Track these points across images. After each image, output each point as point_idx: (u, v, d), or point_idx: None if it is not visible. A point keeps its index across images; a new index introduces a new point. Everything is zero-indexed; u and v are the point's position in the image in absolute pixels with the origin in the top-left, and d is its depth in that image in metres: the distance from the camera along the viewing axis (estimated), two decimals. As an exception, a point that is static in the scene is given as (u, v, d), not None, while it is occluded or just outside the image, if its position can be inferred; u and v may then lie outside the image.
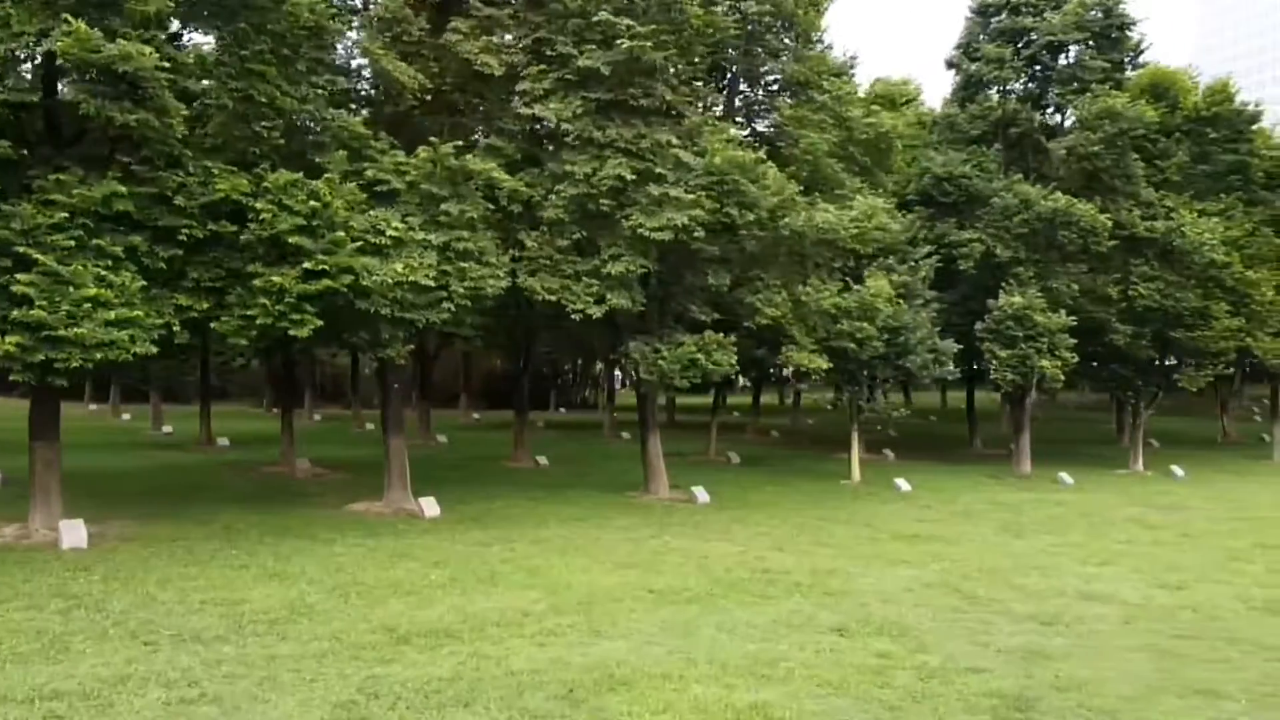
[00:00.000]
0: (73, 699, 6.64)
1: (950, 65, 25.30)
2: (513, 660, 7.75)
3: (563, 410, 48.48)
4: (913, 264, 20.90)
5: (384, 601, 9.57)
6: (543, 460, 23.45)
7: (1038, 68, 24.41)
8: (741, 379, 40.41)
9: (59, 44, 8.95)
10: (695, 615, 9.50)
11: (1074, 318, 21.45)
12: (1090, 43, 23.71)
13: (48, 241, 9.62)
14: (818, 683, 7.48)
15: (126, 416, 33.27)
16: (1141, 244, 22.64)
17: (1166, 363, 25.55)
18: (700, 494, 17.68)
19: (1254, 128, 24.18)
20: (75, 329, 9.46)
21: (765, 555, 12.77)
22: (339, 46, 13.02)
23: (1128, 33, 23.94)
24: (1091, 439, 35.69)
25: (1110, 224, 21.81)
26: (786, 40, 16.51)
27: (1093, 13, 23.44)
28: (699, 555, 12.59)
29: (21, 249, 9.50)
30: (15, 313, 9.42)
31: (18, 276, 9.46)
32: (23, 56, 9.53)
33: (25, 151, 10.63)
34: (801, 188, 15.67)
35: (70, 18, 9.02)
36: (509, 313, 18.74)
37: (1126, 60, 24.23)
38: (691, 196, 13.66)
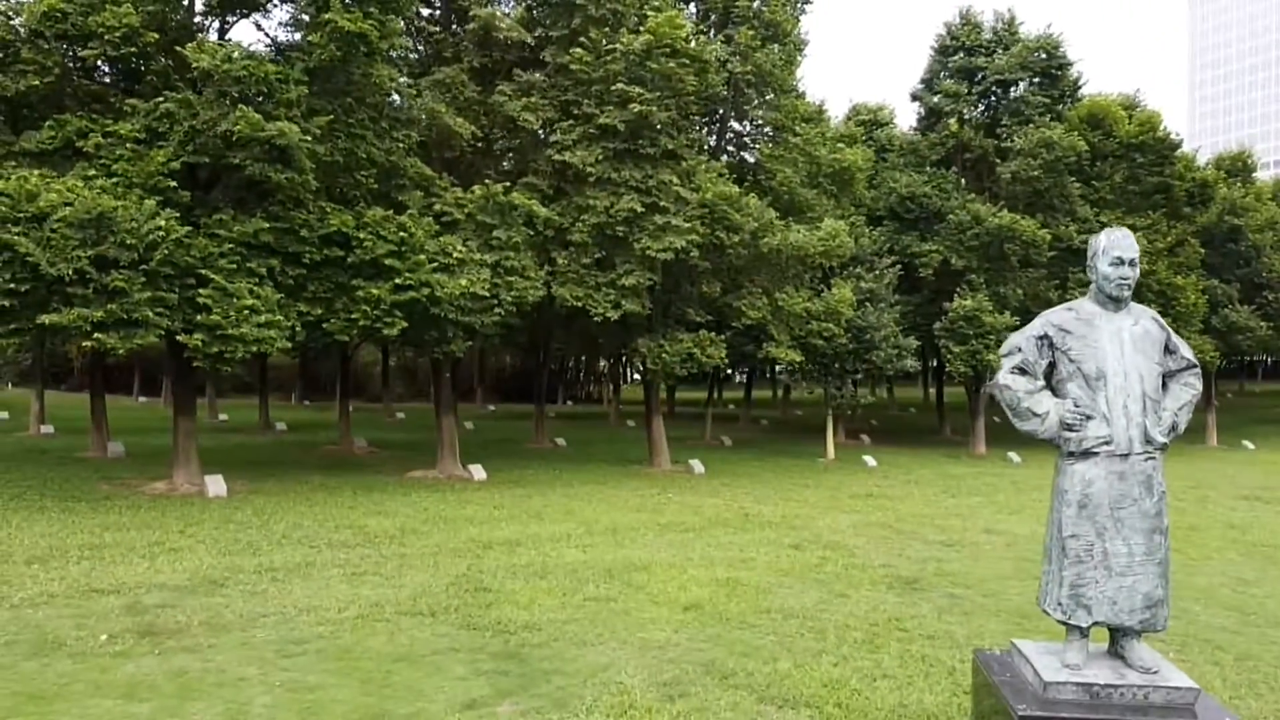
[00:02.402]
0: (283, 571, 10.20)
1: (914, 98, 28.95)
2: (566, 557, 11.33)
3: (569, 403, 52.07)
4: (878, 272, 24.51)
5: (464, 527, 13.15)
6: (560, 442, 27.05)
7: (990, 100, 28.05)
8: (737, 374, 43.96)
9: (237, 126, 12.50)
10: (691, 538, 13.05)
11: (1017, 318, 24.91)
12: (1034, 79, 27.37)
13: (218, 265, 13.19)
14: (775, 570, 11.03)
15: (180, 407, 36.77)
16: (1078, 254, 26.18)
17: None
18: (696, 466, 21.27)
19: (1176, 153, 27.71)
20: (239, 329, 13.01)
21: (746, 506, 16.33)
22: (413, 103, 16.43)
23: (1067, 71, 27.58)
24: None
25: (1049, 237, 25.39)
26: (766, 94, 20.08)
27: (1036, 54, 27.07)
28: (694, 505, 16.16)
29: (201, 270, 13.07)
30: (199, 317, 12.98)
31: (199, 291, 13.03)
32: (204, 133, 13.01)
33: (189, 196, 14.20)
34: (777, 213, 19.26)
35: (243, 106, 12.58)
36: (531, 316, 22.32)
37: (1066, 94, 27.82)
38: (688, 224, 17.24)
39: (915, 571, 11.19)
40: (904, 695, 6.83)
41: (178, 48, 13.60)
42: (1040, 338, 4.74)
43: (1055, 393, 4.74)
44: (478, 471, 18.51)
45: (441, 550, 11.54)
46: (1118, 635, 4.63)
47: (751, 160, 21.15)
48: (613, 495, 17.03)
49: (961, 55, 27.87)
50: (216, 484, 15.17)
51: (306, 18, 13.95)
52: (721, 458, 24.75)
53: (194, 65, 12.61)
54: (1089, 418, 4.54)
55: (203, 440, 25.47)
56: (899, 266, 24.86)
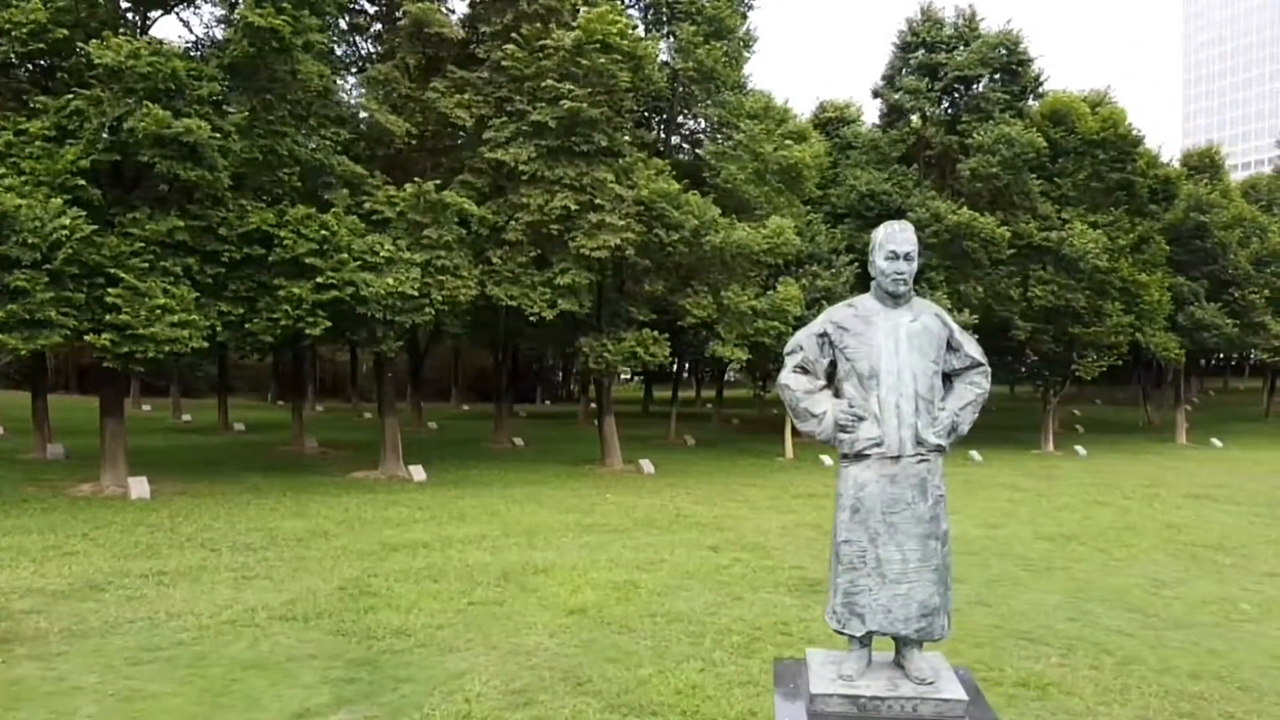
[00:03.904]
0: (172, 575, 10.01)
1: (876, 94, 28.77)
2: (469, 559, 11.14)
3: (547, 402, 51.93)
4: (835, 270, 24.34)
5: (378, 529, 12.96)
6: (519, 442, 26.87)
7: (952, 96, 27.88)
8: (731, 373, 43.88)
9: (141, 124, 12.30)
10: (610, 539, 12.86)
11: (976, 316, 24.77)
12: (995, 76, 27.19)
13: (129, 264, 12.99)
14: (680, 572, 10.84)
15: (147, 407, 36.65)
16: (1039, 251, 26.04)
17: (1075, 355, 28.69)
18: (646, 465, 21.09)
19: (1138, 150, 27.53)
20: (150, 329, 12.82)
21: (682, 506, 16.15)
22: (342, 99, 16.26)
23: (1028, 67, 27.40)
24: (1026, 425, 39.09)
25: (1009, 235, 25.22)
26: (711, 90, 19.92)
27: (997, 50, 26.89)
28: (629, 505, 15.97)
29: (111, 270, 12.87)
30: (108, 317, 12.78)
31: (109, 290, 12.83)
32: (108, 130, 12.81)
33: (101, 194, 14.00)
34: (724, 211, 19.08)
35: (149, 103, 12.39)
36: (488, 315, 22.16)
37: (1027, 90, 27.64)
38: (623, 222, 17.05)
39: (825, 574, 11.01)
40: (757, 703, 6.65)
41: (94, 43, 13.38)
42: (821, 335, 4.55)
43: (837, 393, 4.55)
44: (418, 472, 18.33)
45: (344, 553, 11.35)
46: (899, 645, 4.45)
47: (700, 157, 20.94)
48: (549, 496, 16.85)
49: (923, 52, 27.68)
50: (140, 486, 14.98)
51: (221, 12, 13.75)
52: (679, 457, 24.58)
53: (98, 62, 12.40)
54: (861, 418, 4.35)
55: (156, 441, 25.40)
56: (857, 265, 24.66)
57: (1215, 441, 30.47)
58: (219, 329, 14.34)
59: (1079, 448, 28.16)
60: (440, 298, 15.98)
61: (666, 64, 19.70)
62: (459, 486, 17.62)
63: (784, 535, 13.61)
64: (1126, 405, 47.41)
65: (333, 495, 15.99)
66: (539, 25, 17.20)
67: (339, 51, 18.67)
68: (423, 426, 31.59)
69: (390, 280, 15.02)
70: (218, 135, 12.97)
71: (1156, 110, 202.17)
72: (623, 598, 9.45)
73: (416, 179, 16.24)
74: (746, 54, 21.00)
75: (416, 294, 15.54)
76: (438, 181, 16.30)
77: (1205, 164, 33.12)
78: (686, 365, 43.67)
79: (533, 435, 29.16)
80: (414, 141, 17.30)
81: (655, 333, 19.14)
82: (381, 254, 15.16)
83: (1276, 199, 36.11)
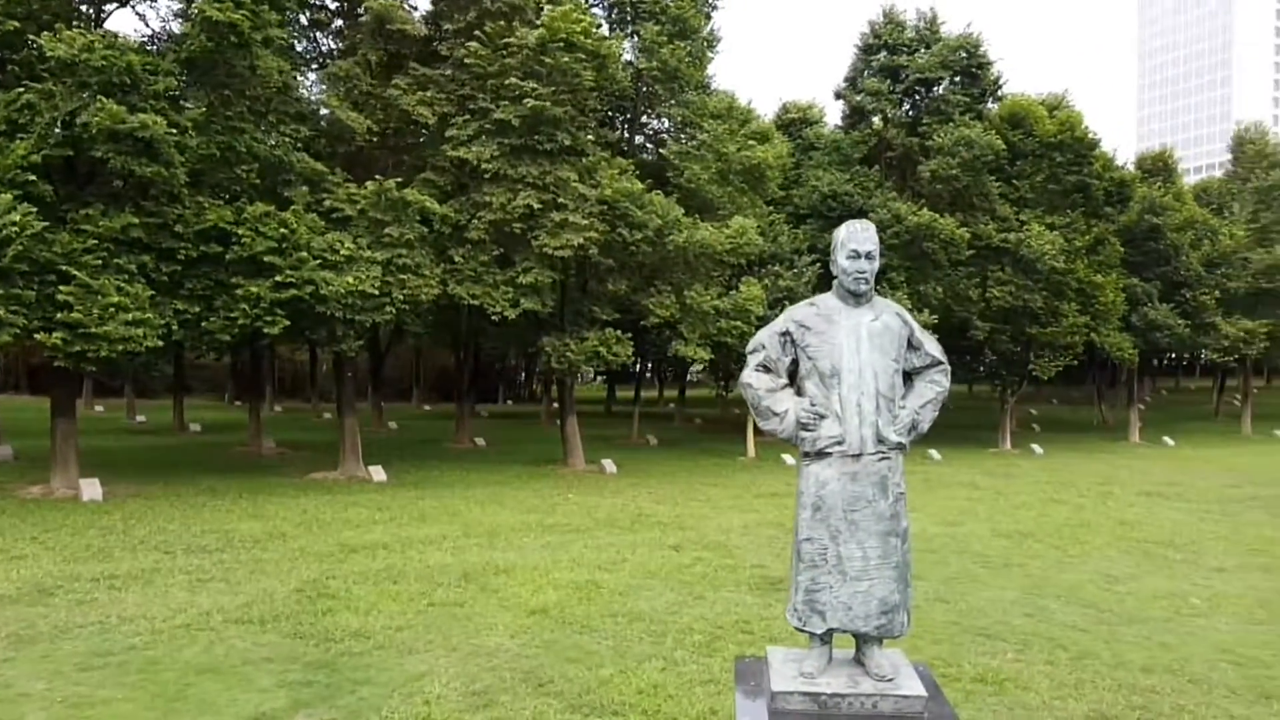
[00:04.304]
0: (124, 579, 9.83)
1: (838, 96, 29.00)
2: (429, 560, 11.05)
3: (509, 402, 51.71)
4: (797, 270, 24.47)
5: (337, 531, 12.82)
6: (481, 442, 26.73)
7: (913, 98, 28.17)
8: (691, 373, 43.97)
9: (95, 119, 12.05)
10: (572, 539, 12.82)
11: (935, 316, 25.02)
12: (955, 79, 27.51)
13: (81, 261, 12.72)
14: (642, 572, 10.84)
15: (100, 408, 35.99)
16: (998, 252, 26.37)
17: (1032, 355, 29.05)
18: (609, 465, 21.06)
19: (1094, 153, 27.98)
20: (103, 327, 12.57)
21: (644, 506, 16.14)
22: (302, 96, 16.05)
23: (988, 70, 27.76)
24: (984, 424, 39.54)
25: (968, 236, 25.53)
26: (675, 90, 19.95)
27: (957, 53, 27.21)
28: (591, 506, 15.93)
29: (63, 267, 12.60)
30: (59, 315, 12.51)
31: (60, 288, 12.56)
32: (60, 125, 12.55)
33: (54, 190, 13.71)
34: (687, 211, 19.11)
35: (102, 98, 12.15)
36: (450, 314, 22.00)
37: (987, 93, 28.00)
38: (587, 221, 17.01)
39: (786, 572, 11.06)
40: (718, 701, 6.65)
41: (46, 35, 13.11)
42: (783, 334, 4.57)
43: (799, 391, 4.57)
44: (378, 473, 18.16)
45: (302, 555, 11.22)
46: (859, 642, 4.48)
47: (664, 157, 20.95)
48: (511, 496, 16.77)
49: (885, 54, 27.95)
50: (92, 488, 14.69)
51: (179, 6, 13.52)
52: (642, 457, 24.59)
53: (50, 55, 12.14)
54: (823, 417, 4.38)
55: (109, 442, 24.93)
56: (819, 265, 24.80)
57: (1167, 440, 31.04)
58: (175, 328, 14.10)
59: (1036, 446, 28.57)
60: (401, 297, 15.85)
61: (630, 63, 19.70)
62: (420, 487, 17.48)
63: (745, 534, 13.66)
64: (1082, 404, 48.19)
65: (291, 496, 15.79)
66: (502, 23, 17.12)
67: (299, 47, 18.46)
68: (383, 426, 31.32)
69: (350, 279, 14.86)
70: (174, 131, 12.75)
71: (1112, 114, 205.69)
72: (584, 598, 9.42)
73: (378, 176, 16.10)
74: (710, 54, 21.06)
75: (377, 293, 15.40)
76: (399, 179, 16.17)
77: (1159, 167, 33.77)
78: (649, 365, 43.78)
79: (495, 435, 29.04)
80: (375, 139, 17.15)
81: (618, 332, 19.14)
82: (342, 252, 14.99)
83: (1227, 202, 36.89)
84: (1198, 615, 9.52)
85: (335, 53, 18.59)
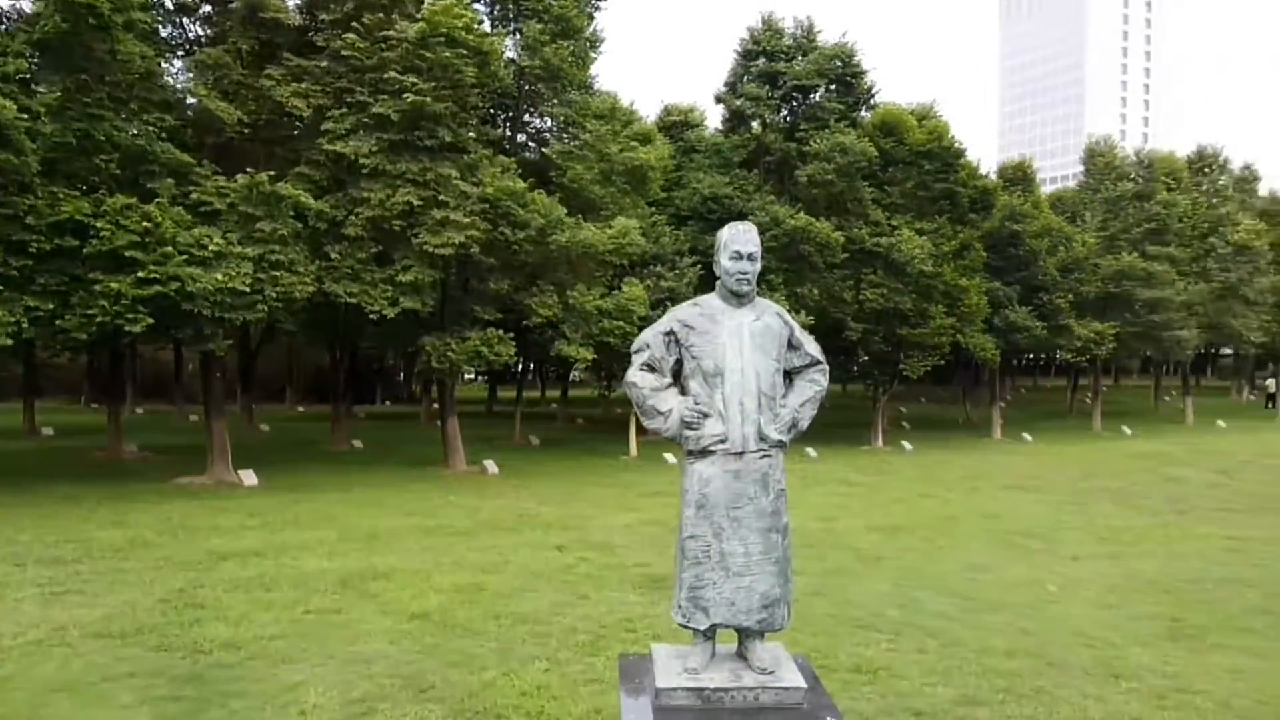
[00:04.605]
0: (-30, 594, 9.20)
1: (719, 100, 29.48)
2: (304, 566, 10.72)
3: (387, 403, 50.60)
4: (679, 271, 24.75)
5: (206, 538, 12.30)
6: (358, 444, 26.07)
7: (791, 104, 28.87)
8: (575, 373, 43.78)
9: (-64, 99, 11.26)
10: (454, 542, 12.64)
11: (812, 317, 25.66)
12: (831, 87, 28.33)
13: (-79, 253, 11.86)
14: (526, 573, 10.77)
15: (-60, 412, 33.56)
16: (871, 256, 27.24)
17: (902, 355, 30.00)
18: (491, 466, 20.85)
19: (960, 161, 29.25)
20: (-55, 325, 11.75)
21: (527, 507, 16.04)
22: (168, 83, 15.32)
23: (862, 79, 28.69)
24: (858, 422, 40.77)
25: (843, 239, 26.30)
26: (558, 90, 19.91)
27: (833, 62, 28.01)
28: (473, 508, 15.74)
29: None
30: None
31: (-103, 282, 11.68)
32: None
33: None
34: (570, 211, 19.08)
35: (-57, 78, 11.35)
36: (326, 313, 21.37)
37: (861, 101, 28.93)
38: (468, 219, 16.79)
39: (670, 570, 11.16)
40: (603, 700, 6.67)
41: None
42: (667, 334, 4.62)
43: (683, 390, 4.63)
44: (249, 477, 17.50)
45: (167, 564, 10.72)
46: (742, 636, 4.56)
47: (547, 156, 20.85)
48: (390, 499, 16.42)
49: (764, 60, 28.54)
50: (-69, 497, 13.68)
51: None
52: (524, 458, 24.43)
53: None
54: (707, 415, 4.45)
55: (-49, 448, 23.29)
56: (701, 266, 25.15)
57: (1026, 436, 32.63)
58: (25, 325, 13.27)
59: (906, 443, 29.61)
60: (274, 294, 15.32)
61: (513, 61, 19.52)
62: (294, 491, 16.93)
63: (629, 533, 13.73)
64: (948, 403, 50.21)
65: (154, 503, 15.06)
66: (381, 15, 16.73)
67: (164, 32, 17.60)
68: (255, 429, 30.21)
69: (220, 275, 14.28)
70: (25, 116, 12.00)
71: (976, 125, 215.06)
72: (467, 601, 9.31)
73: (249, 169, 15.50)
74: (593, 54, 21.08)
75: (248, 290, 14.84)
76: (272, 173, 15.59)
77: (1019, 177, 35.51)
78: (532, 365, 43.54)
79: (373, 437, 28.37)
80: (247, 130, 16.50)
81: (500, 332, 18.97)
82: (210, 247, 14.39)
83: (1080, 211, 39.02)
84: (1055, 601, 10.05)
85: (204, 40, 17.81)
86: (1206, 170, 41.49)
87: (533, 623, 8.58)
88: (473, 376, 60.64)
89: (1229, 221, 38.03)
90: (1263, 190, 50.28)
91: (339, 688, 6.78)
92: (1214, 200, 39.29)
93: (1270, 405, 46.57)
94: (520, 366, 38.68)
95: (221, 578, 10.08)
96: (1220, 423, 38.21)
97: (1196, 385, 46.29)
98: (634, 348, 4.73)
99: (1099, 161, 38.99)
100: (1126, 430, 34.85)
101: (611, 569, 11.10)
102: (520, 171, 18.62)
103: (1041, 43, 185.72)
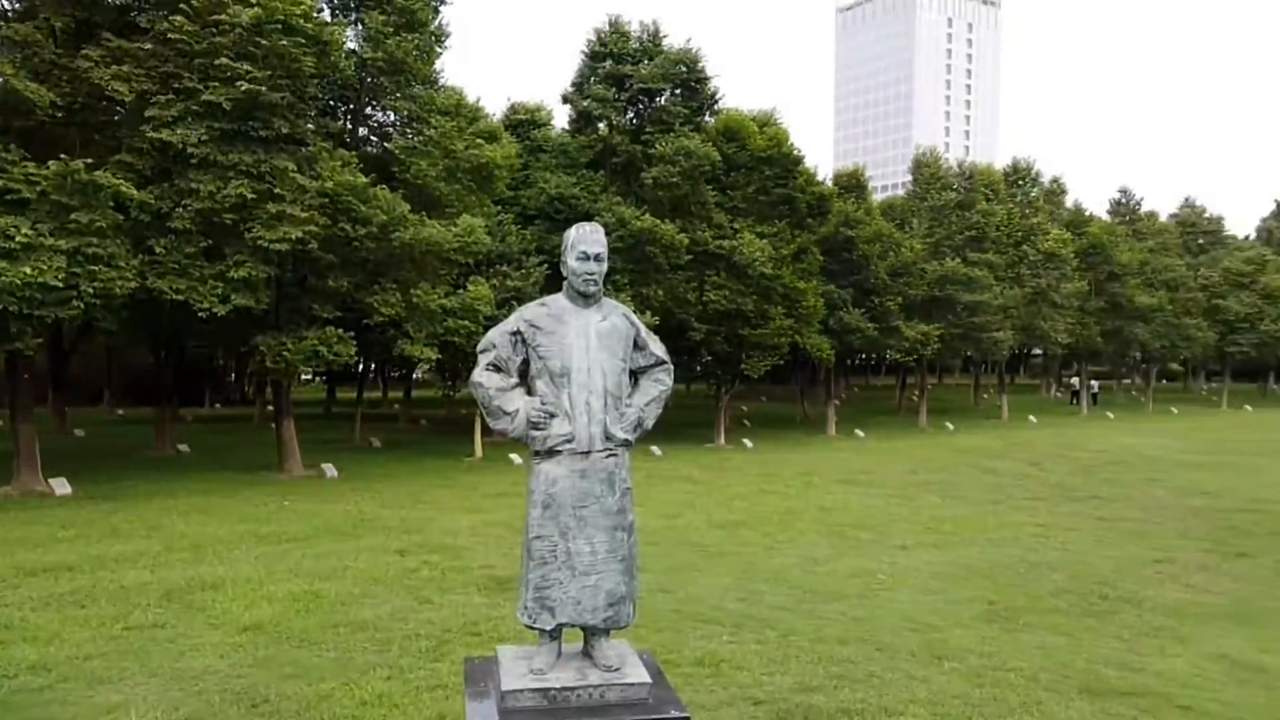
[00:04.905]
0: None
1: (566, 100, 29.52)
2: (124, 580, 10.09)
3: (217, 406, 48.19)
4: (525, 270, 24.63)
5: (13, 552, 11.39)
6: (184, 448, 24.72)
7: (638, 107, 29.21)
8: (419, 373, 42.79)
9: None
10: (289, 549, 12.16)
11: (657, 318, 26.01)
12: (676, 91, 28.84)
13: None
14: (366, 579, 10.47)
15: None
16: (714, 258, 27.87)
17: (744, 355, 30.77)
18: (329, 470, 20.18)
19: (799, 168, 30.32)
20: None
21: (367, 511, 15.61)
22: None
23: (706, 84, 29.32)
24: (701, 421, 41.57)
25: (687, 241, 26.80)
26: (402, 83, 19.44)
27: (678, 66, 28.51)
28: (310, 513, 15.19)
29: None
30: None
31: None
32: None
33: None
34: (414, 208, 18.67)
35: None
36: (149, 310, 20.12)
37: (705, 106, 29.57)
38: (306, 214, 16.19)
39: (515, 571, 11.11)
40: (447, 706, 6.57)
41: None
42: (514, 333, 4.61)
43: (529, 390, 4.62)
44: (61, 485, 16.31)
45: (-34, 582, 9.88)
46: (588, 635, 4.59)
47: (390, 152, 20.33)
48: (220, 506, 15.64)
49: (610, 62, 28.75)
50: None
51: None
52: (365, 460, 23.75)
53: None
54: (553, 415, 4.46)
55: None
56: (547, 266, 25.11)
57: (859, 433, 34.13)
58: None
59: (747, 441, 30.45)
60: (91, 290, 14.32)
61: (354, 52, 18.92)
62: (112, 500, 15.90)
63: (474, 535, 13.58)
64: (786, 401, 51.92)
65: (-48, 515, 13.84)
66: (211, -2, 15.93)
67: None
68: (67, 434, 28.19)
69: (28, 269, 13.25)
70: None
71: (814, 133, 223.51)
72: (303, 610, 8.98)
73: (63, 156, 14.42)
74: (439, 49, 20.67)
75: (61, 285, 13.82)
76: (89, 160, 14.56)
77: (852, 184, 37.07)
78: (373, 365, 42.35)
79: (201, 441, 26.96)
80: (61, 114, 15.34)
81: (340, 331, 18.36)
82: (17, 239, 13.33)
83: (908, 218, 41.12)
84: (885, 589, 10.57)
85: (11, 14, 16.44)
86: (1020, 182, 44.48)
87: (373, 630, 8.37)
88: (310, 377, 58.52)
89: (1039, 231, 40.89)
90: (1069, 202, 54.37)
91: (163, 707, 6.43)
92: (1027, 211, 42.14)
93: (1074, 401, 50.35)
94: (361, 367, 37.57)
95: (29, 595, 9.37)
96: (1032, 418, 41.08)
97: (1011, 383, 49.53)
98: (480, 347, 4.69)
99: (925, 172, 41.18)
100: (949, 426, 36.95)
101: (456, 572, 10.95)
102: (362, 166, 18.09)
103: (874, 56, 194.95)
